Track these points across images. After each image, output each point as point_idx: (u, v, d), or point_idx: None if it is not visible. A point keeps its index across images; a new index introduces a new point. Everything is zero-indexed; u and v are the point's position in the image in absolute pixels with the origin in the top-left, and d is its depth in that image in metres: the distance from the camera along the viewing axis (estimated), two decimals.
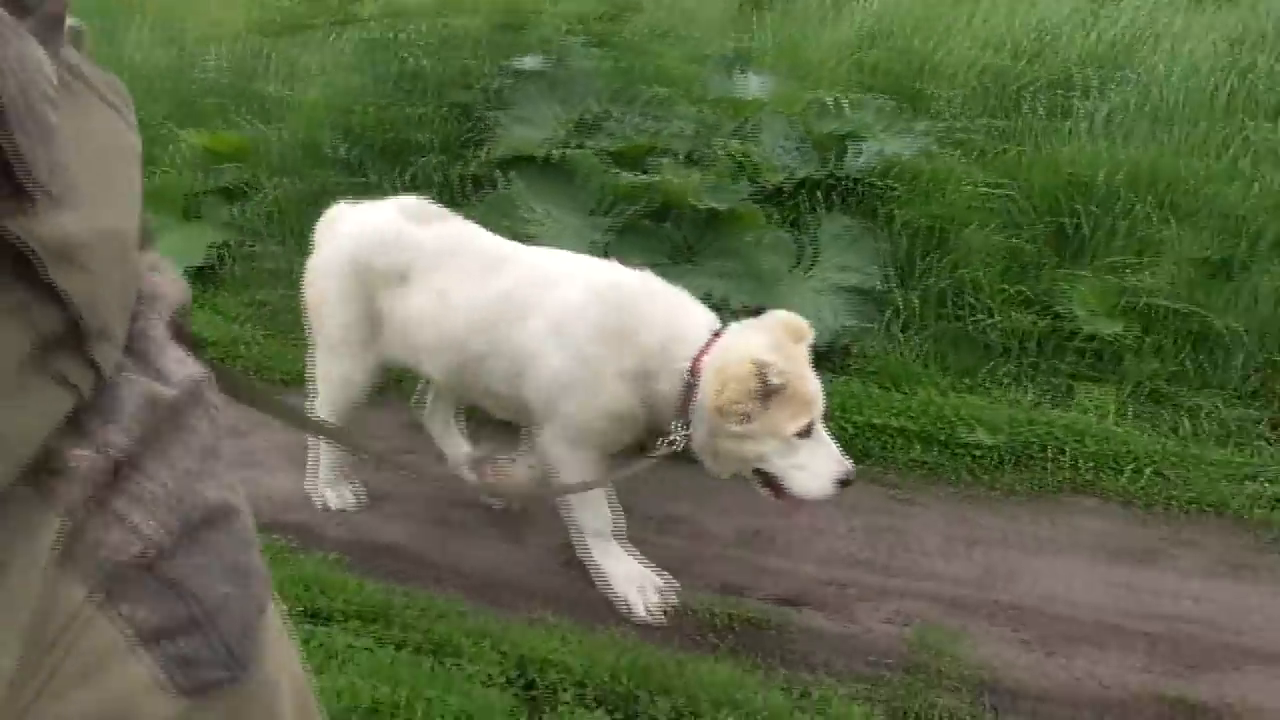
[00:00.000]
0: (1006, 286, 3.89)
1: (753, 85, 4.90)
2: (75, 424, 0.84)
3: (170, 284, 1.10)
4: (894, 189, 4.07)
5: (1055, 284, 3.84)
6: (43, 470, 0.82)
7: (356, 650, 2.60)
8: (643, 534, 3.05)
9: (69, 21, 0.89)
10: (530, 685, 2.58)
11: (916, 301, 3.87)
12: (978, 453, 3.48)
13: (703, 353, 2.62)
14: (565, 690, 2.54)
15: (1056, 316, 3.77)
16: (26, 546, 0.81)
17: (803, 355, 2.64)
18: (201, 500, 0.97)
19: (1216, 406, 3.51)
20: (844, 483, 2.60)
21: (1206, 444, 3.45)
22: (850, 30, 5.85)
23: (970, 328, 3.80)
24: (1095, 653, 2.78)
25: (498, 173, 4.23)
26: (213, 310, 4.76)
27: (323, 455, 3.40)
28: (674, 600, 2.91)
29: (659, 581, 2.93)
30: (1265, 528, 3.19)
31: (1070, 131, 4.57)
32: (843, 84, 5.15)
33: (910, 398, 3.65)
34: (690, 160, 4.26)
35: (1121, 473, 3.38)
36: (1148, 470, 3.36)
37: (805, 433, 2.57)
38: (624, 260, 2.89)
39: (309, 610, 2.81)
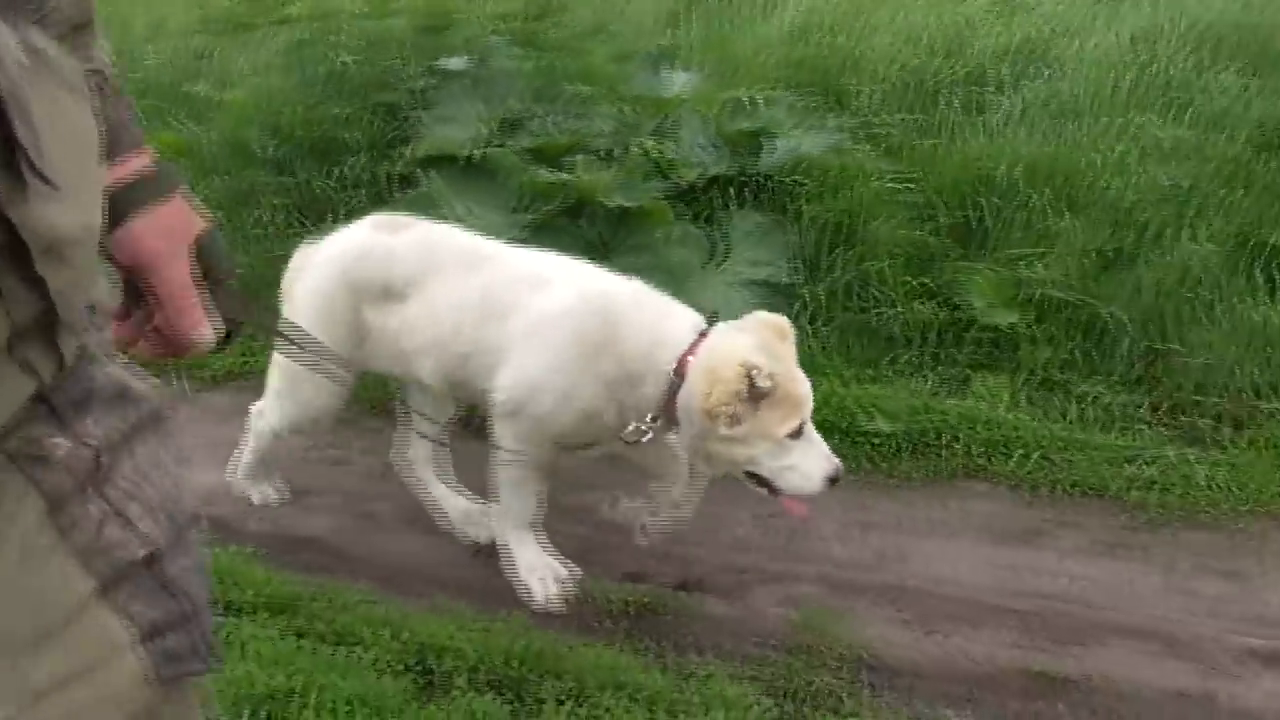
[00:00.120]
0: (910, 279, 4.02)
1: (677, 83, 5.01)
2: (51, 413, 0.90)
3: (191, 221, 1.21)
4: (803, 185, 4.20)
5: (956, 276, 3.98)
6: (21, 457, 0.88)
7: (260, 640, 2.71)
8: (554, 523, 3.13)
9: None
10: (428, 671, 2.70)
11: (823, 294, 4.01)
12: (876, 441, 3.61)
13: (688, 352, 2.65)
14: (460, 675, 2.66)
15: (956, 308, 3.91)
16: (5, 528, 0.87)
17: (790, 355, 2.68)
18: (186, 504, 1.06)
19: (1102, 393, 3.67)
20: (833, 480, 2.65)
21: (1091, 429, 3.60)
22: (779, 27, 5.96)
23: (874, 319, 3.93)
24: (971, 630, 2.92)
25: (419, 171, 4.34)
26: None
27: (248, 451, 3.44)
28: (572, 590, 3.02)
29: (562, 572, 3.03)
30: (1141, 508, 3.35)
31: (983, 126, 4.71)
32: (770, 80, 5.26)
33: (815, 388, 3.78)
34: (610, 158, 4.37)
35: (1011, 457, 3.52)
36: (1035, 455, 3.51)
37: (797, 433, 2.62)
38: None
39: (219, 602, 2.92)
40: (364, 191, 4.61)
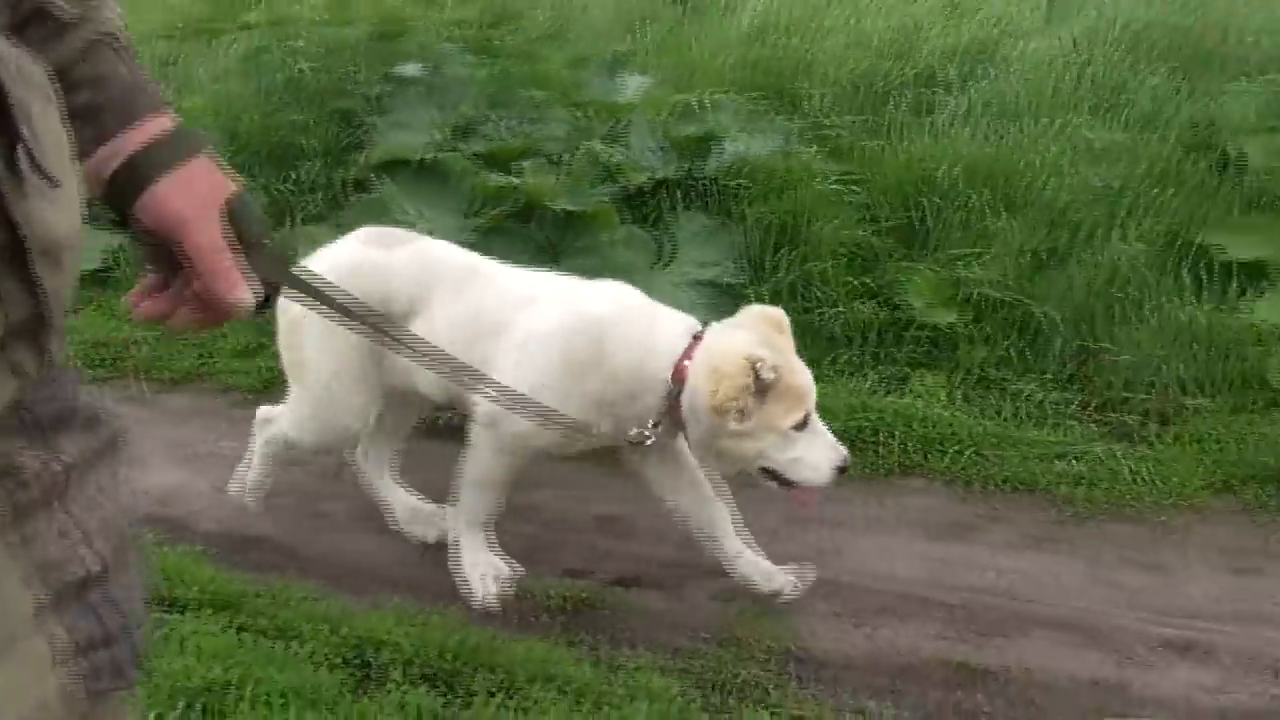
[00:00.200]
0: (852, 279, 4.11)
1: (631, 88, 5.09)
2: (25, 425, 0.91)
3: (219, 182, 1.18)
4: (748, 187, 4.28)
5: (897, 276, 4.07)
6: None
7: (201, 635, 2.77)
8: (503, 522, 3.17)
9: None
10: (365, 665, 2.77)
11: (767, 295, 4.08)
12: None
13: (684, 358, 2.69)
14: (395, 669, 2.73)
15: (896, 307, 4.00)
16: None
17: (789, 347, 2.73)
18: (126, 526, 1.04)
19: (1035, 390, 3.76)
20: (841, 470, 2.70)
21: (1025, 426, 3.69)
22: (736, 30, 6.05)
23: (816, 319, 4.02)
24: (899, 623, 3.00)
25: (374, 176, 4.41)
26: (106, 313, 4.91)
27: (258, 463, 3.39)
28: (510, 590, 3.07)
29: (506, 572, 3.08)
30: (1069, 503, 3.43)
31: (929, 127, 4.80)
32: (725, 83, 5.35)
33: None
34: (562, 162, 4.45)
35: (946, 454, 3.60)
36: (969, 451, 3.60)
37: (802, 425, 2.66)
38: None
39: (165, 600, 2.98)
40: (320, 196, 4.68)
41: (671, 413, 2.71)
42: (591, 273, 4.00)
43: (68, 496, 0.95)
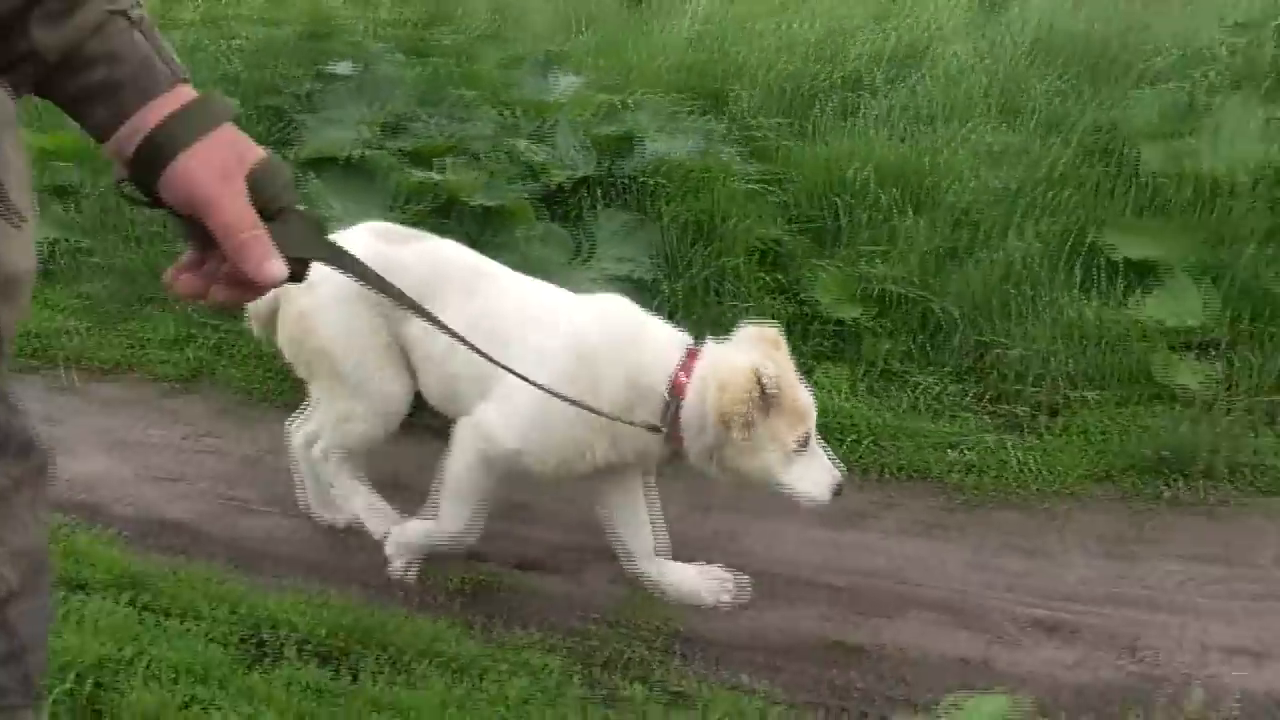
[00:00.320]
0: (764, 275, 4.23)
1: (562, 88, 5.19)
2: None
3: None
4: (666, 186, 4.39)
5: (805, 272, 4.19)
6: None
7: (101, 614, 2.86)
8: (410, 509, 3.23)
9: None
10: (261, 644, 2.86)
11: (681, 290, 4.20)
12: None
13: (682, 370, 2.73)
14: (289, 647, 2.82)
15: (804, 302, 4.12)
16: None
17: (789, 365, 2.77)
18: (43, 550, 1.07)
19: (934, 383, 3.89)
20: (837, 491, 2.77)
21: (922, 417, 3.82)
22: (677, 34, 6.16)
23: (727, 312, 4.12)
24: (785, 605, 3.12)
25: (301, 173, 4.49)
26: (41, 303, 4.96)
27: (348, 493, 3.26)
28: (414, 570, 3.18)
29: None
30: (959, 491, 3.57)
31: (851, 130, 4.92)
32: (661, 85, 5.46)
33: None
34: (489, 160, 4.54)
35: (844, 443, 3.72)
36: (866, 440, 3.72)
37: (803, 443, 2.72)
38: None
39: (71, 581, 3.05)
40: None
41: (671, 422, 2.73)
42: (509, 267, 4.12)
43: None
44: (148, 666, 2.64)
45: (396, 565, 3.14)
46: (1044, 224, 4.02)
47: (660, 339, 2.84)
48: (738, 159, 4.62)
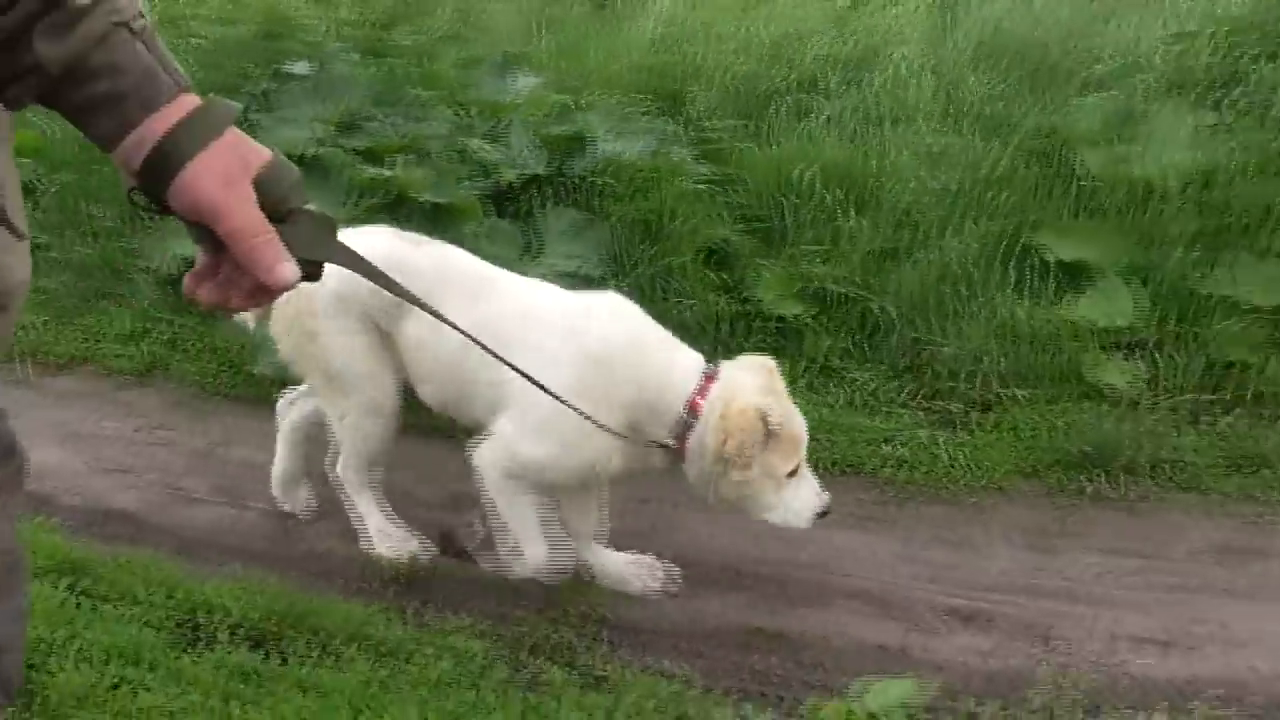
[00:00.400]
0: (710, 274, 4.31)
1: (519, 89, 5.25)
2: None
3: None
4: (615, 185, 4.47)
5: (751, 271, 4.27)
6: None
7: (38, 600, 2.91)
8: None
9: None
10: (195, 627, 2.93)
11: (628, 287, 4.26)
12: None
13: (699, 393, 2.77)
14: (222, 631, 2.89)
15: (747, 300, 4.20)
16: None
17: (785, 391, 2.84)
18: (16, 551, 1.12)
19: (872, 380, 3.97)
20: (822, 515, 2.83)
21: (859, 413, 3.90)
22: (635, 38, 6.22)
23: (673, 309, 4.20)
24: (713, 593, 3.19)
25: None
26: None
27: (368, 517, 3.29)
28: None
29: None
30: (891, 485, 3.65)
31: (802, 131, 4.99)
32: (621, 87, 5.52)
33: None
34: (440, 158, 4.61)
35: None
36: None
37: (794, 470, 2.79)
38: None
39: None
40: None
41: (680, 438, 2.78)
42: None
43: None
44: (80, 649, 2.70)
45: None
46: (982, 225, 4.10)
47: (685, 359, 2.90)
48: (690, 160, 4.68)
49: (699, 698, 2.71)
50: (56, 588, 3.01)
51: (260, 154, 1.16)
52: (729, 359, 2.92)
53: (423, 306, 1.54)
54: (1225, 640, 2.93)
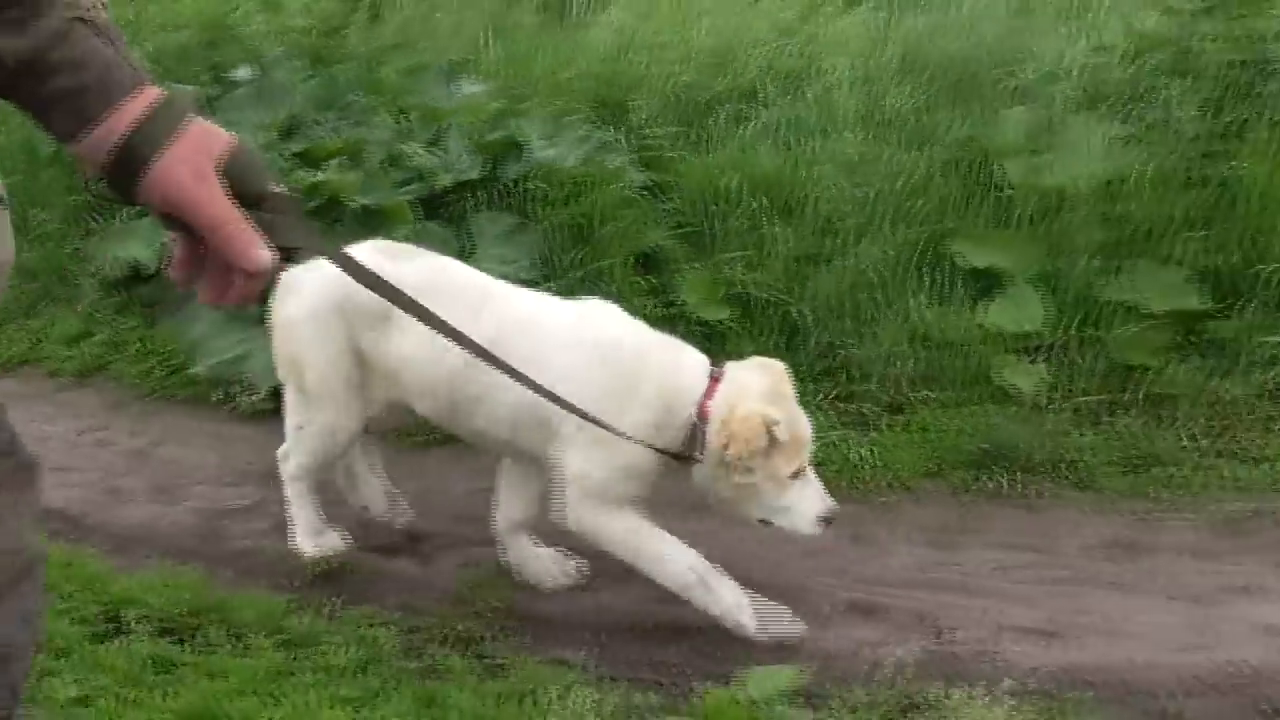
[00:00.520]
0: (638, 278, 4.42)
1: (462, 96, 5.34)
2: None
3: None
4: (546, 191, 4.58)
5: (678, 276, 4.39)
6: None
7: None
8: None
9: None
10: (116, 620, 3.04)
11: (559, 290, 4.37)
12: None
13: (707, 396, 2.83)
14: (142, 624, 2.99)
15: (672, 304, 4.32)
16: None
17: (792, 394, 2.89)
18: (27, 553, 1.11)
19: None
20: (827, 520, 2.88)
21: None
22: (584, 47, 6.30)
23: None
24: (622, 588, 3.27)
25: None
26: None
27: (295, 508, 3.33)
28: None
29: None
30: None
31: (736, 140, 5.09)
32: (565, 95, 5.62)
33: None
34: (377, 162, 4.71)
35: None
36: None
37: (798, 473, 2.84)
38: None
39: None
40: None
41: (690, 443, 2.85)
42: None
43: None
44: None
45: (748, 626, 3.00)
46: (899, 233, 4.23)
47: (691, 362, 2.96)
48: (630, 167, 4.79)
49: (593, 684, 2.82)
50: None
51: (224, 140, 1.18)
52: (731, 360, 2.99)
53: (419, 311, 1.67)
54: (1107, 631, 3.04)
